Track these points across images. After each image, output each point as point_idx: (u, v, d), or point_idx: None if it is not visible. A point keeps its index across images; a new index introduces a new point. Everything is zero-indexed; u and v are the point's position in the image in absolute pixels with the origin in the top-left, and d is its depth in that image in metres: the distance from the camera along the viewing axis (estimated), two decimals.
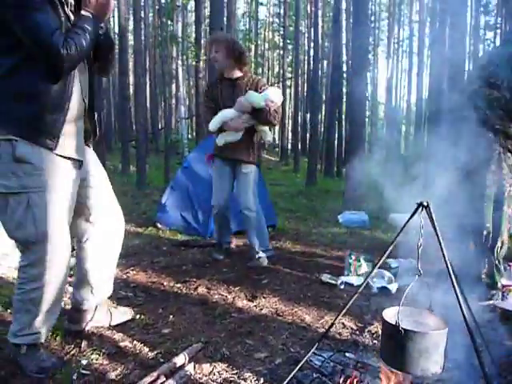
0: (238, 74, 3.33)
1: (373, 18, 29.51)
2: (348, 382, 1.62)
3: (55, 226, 1.77)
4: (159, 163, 12.28)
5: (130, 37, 16.18)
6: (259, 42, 30.12)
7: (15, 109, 1.69)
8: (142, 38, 20.60)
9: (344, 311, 1.59)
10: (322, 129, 20.08)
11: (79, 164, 1.89)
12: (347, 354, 1.90)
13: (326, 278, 3.03)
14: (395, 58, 27.80)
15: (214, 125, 3.23)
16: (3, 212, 1.73)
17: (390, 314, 1.43)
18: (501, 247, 2.59)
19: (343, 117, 16.12)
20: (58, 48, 1.62)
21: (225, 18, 10.49)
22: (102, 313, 2.20)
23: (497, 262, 2.59)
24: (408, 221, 1.37)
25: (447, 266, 1.26)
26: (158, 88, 20.95)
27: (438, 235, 1.29)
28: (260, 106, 3.16)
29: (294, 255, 3.84)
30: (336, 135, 15.64)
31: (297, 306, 2.58)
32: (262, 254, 3.48)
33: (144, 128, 10.20)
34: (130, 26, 16.37)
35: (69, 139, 1.81)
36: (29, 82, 1.68)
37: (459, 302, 1.24)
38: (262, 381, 1.74)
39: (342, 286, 2.93)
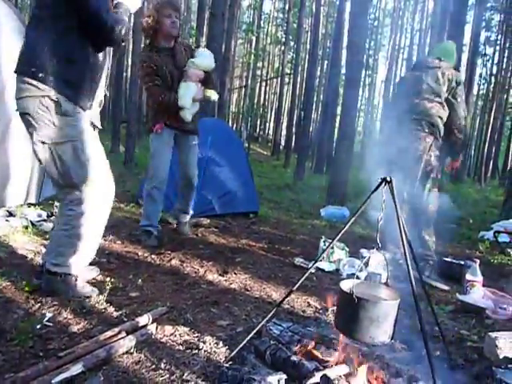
0: (172, 44, 3.25)
1: (376, 24, 29.67)
2: (303, 350, 1.67)
3: (100, 169, 2.09)
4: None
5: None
6: (262, 36, 30.08)
7: (63, 70, 1.93)
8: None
9: (298, 285, 1.61)
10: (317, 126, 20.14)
11: (96, 130, 2.19)
12: (307, 328, 1.95)
13: (298, 261, 3.09)
14: (394, 64, 27.93)
15: (187, 101, 3.18)
16: (50, 161, 1.99)
17: (347, 285, 1.48)
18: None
19: (337, 117, 16.19)
20: (113, 24, 1.94)
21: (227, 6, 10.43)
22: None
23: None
24: (371, 194, 1.42)
25: (402, 238, 1.31)
26: None
27: (397, 209, 1.34)
28: (211, 68, 3.25)
29: (272, 240, 3.89)
30: (328, 134, 15.68)
31: (266, 283, 2.63)
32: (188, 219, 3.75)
33: (136, 107, 10.15)
34: None
35: (95, 105, 2.13)
36: (77, 48, 1.96)
37: (409, 272, 1.29)
38: (220, 345, 1.78)
39: (313, 270, 2.98)
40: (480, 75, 27.49)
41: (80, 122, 2.01)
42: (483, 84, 28.75)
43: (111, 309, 2.04)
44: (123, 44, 2.29)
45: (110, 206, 2.26)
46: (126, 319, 1.93)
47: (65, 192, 2.07)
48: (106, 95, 2.27)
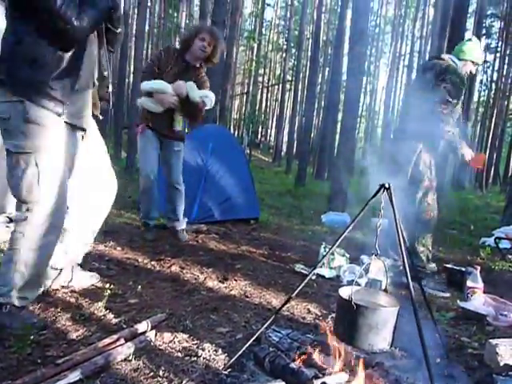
0: (197, 65, 3.46)
1: (377, 30, 29.81)
2: (302, 357, 1.66)
3: (57, 189, 1.85)
4: None
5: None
6: (263, 43, 30.25)
7: (28, 73, 1.76)
8: (147, 27, 20.57)
9: (297, 291, 1.62)
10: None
11: (83, 132, 2.02)
12: (307, 335, 1.94)
13: (298, 267, 3.08)
14: (395, 71, 28.03)
15: (148, 86, 3.32)
16: (11, 171, 1.80)
17: (346, 291, 1.48)
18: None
19: (338, 124, 16.24)
20: (71, 19, 1.71)
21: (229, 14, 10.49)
22: (69, 273, 2.23)
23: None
24: (370, 199, 1.42)
25: (400, 245, 1.31)
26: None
27: (395, 214, 1.34)
28: (194, 99, 3.29)
29: (272, 246, 3.88)
30: (329, 140, 15.72)
31: (266, 290, 2.63)
32: (184, 226, 3.73)
33: (138, 113, 10.19)
34: (135, 14, 16.33)
35: (76, 107, 1.91)
36: (41, 49, 1.76)
37: (407, 279, 1.29)
38: (220, 352, 1.77)
39: (314, 277, 2.97)
40: (481, 82, 27.57)
41: (50, 131, 1.80)
42: (484, 91, 28.84)
43: (110, 315, 2.04)
44: (118, 31, 2.06)
45: (107, 210, 2.26)
46: (124, 326, 1.93)
47: (17, 205, 1.86)
48: (108, 91, 2.17)
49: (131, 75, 15.05)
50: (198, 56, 3.39)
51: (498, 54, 25.09)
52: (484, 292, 2.67)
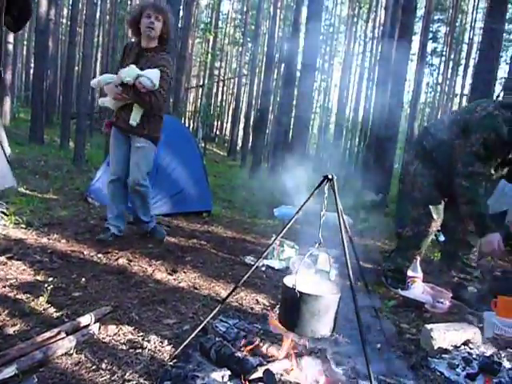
0: (152, 46, 3.22)
1: (331, 30, 30.43)
2: (248, 346, 1.68)
3: None
4: (102, 143, 11.86)
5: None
6: (220, 36, 29.99)
7: None
8: (98, 13, 19.79)
9: (243, 280, 1.65)
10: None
11: None
12: (254, 324, 1.96)
13: (249, 259, 3.11)
14: (348, 70, 28.74)
15: (93, 81, 3.31)
16: None
17: (290, 280, 1.51)
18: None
19: (292, 120, 16.47)
20: None
21: (182, 2, 10.31)
22: None
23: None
24: (314, 190, 1.46)
25: (341, 233, 1.36)
26: (110, 66, 20.18)
27: (337, 205, 1.39)
28: (125, 80, 3.06)
29: (224, 239, 3.88)
30: (284, 135, 15.90)
31: (215, 282, 2.63)
32: (154, 224, 3.54)
33: (87, 102, 9.80)
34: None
35: None
36: None
37: (348, 268, 1.34)
38: (166, 343, 1.76)
39: (264, 268, 3.02)
40: (427, 84, 28.93)
41: None
42: (430, 92, 30.29)
43: (51, 310, 1.96)
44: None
45: None
46: (66, 320, 1.86)
47: None
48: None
49: (80, 63, 14.45)
50: (149, 35, 3.15)
51: (443, 58, 26.43)
52: (423, 281, 2.82)
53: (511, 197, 5.00)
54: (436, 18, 27.33)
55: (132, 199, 3.39)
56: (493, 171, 2.63)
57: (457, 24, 26.53)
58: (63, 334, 1.67)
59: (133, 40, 3.47)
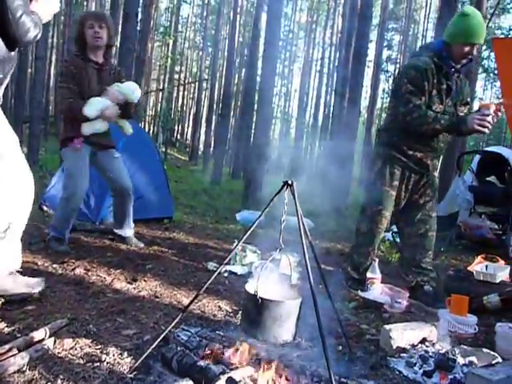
0: (101, 58, 3.21)
1: (291, 36, 30.96)
2: (211, 354, 1.66)
3: None
4: (58, 148, 11.46)
5: None
6: (180, 40, 29.76)
7: None
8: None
9: (205, 287, 1.64)
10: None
11: None
12: (216, 331, 1.95)
13: (211, 265, 3.09)
14: (308, 76, 29.30)
15: (93, 111, 3.01)
16: None
17: (251, 286, 1.51)
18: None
19: (253, 124, 16.58)
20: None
21: (140, 5, 10.15)
22: None
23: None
24: (274, 196, 1.47)
25: (301, 238, 1.37)
26: None
27: (297, 211, 1.40)
28: (132, 99, 3.16)
29: (186, 245, 3.84)
30: (245, 140, 15.99)
31: (177, 289, 2.59)
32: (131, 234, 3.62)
33: (41, 105, 9.42)
34: None
35: None
36: None
37: (308, 271, 1.35)
38: (125, 355, 1.71)
39: (226, 274, 3.00)
40: (383, 90, 29.96)
41: None
42: (386, 98, 31.37)
43: (2, 325, 1.85)
44: None
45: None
46: (19, 335, 1.77)
47: None
48: None
49: (33, 64, 13.89)
50: (97, 45, 3.10)
51: (397, 65, 27.49)
52: (382, 282, 2.90)
53: (462, 199, 5.25)
54: (390, 26, 28.43)
55: (124, 207, 3.47)
56: (438, 104, 2.75)
57: (410, 33, 27.74)
58: (15, 351, 1.58)
59: (73, 57, 3.24)
